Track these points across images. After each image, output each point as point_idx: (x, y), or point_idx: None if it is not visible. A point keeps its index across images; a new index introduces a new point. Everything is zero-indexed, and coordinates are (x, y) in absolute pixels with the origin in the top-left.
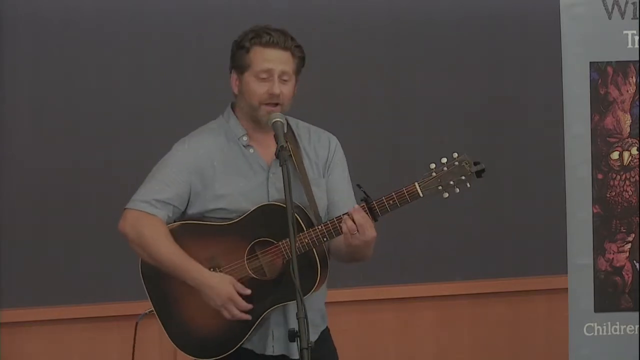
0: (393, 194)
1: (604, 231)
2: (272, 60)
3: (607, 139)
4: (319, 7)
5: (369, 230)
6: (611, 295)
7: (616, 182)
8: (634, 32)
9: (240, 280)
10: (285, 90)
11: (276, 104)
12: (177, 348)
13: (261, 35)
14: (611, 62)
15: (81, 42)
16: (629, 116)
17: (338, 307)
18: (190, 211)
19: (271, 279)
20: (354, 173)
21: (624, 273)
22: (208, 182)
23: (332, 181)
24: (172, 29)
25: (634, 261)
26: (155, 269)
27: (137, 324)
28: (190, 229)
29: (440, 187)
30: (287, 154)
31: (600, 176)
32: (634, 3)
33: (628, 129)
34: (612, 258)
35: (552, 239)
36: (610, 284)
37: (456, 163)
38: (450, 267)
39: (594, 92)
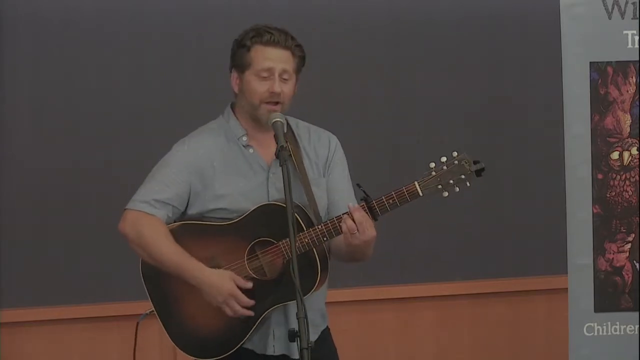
0: (393, 193)
1: (604, 231)
2: (273, 59)
3: (607, 139)
4: (319, 7)
5: (369, 229)
6: (611, 295)
7: (616, 182)
8: (634, 32)
9: None
10: (285, 89)
11: (277, 103)
12: (177, 348)
13: (262, 34)
14: (611, 62)
15: (81, 42)
16: (629, 116)
17: (338, 307)
18: (190, 211)
19: (271, 279)
20: (354, 173)
21: (624, 273)
22: (208, 182)
23: (332, 181)
24: (172, 29)
25: (634, 261)
26: (155, 269)
27: (137, 324)
28: (190, 229)
29: (440, 186)
30: (287, 154)
31: (600, 176)
32: (634, 3)
33: (628, 129)
34: (612, 258)
35: (552, 239)
36: (610, 284)
37: (456, 162)
38: (450, 267)
39: (594, 92)
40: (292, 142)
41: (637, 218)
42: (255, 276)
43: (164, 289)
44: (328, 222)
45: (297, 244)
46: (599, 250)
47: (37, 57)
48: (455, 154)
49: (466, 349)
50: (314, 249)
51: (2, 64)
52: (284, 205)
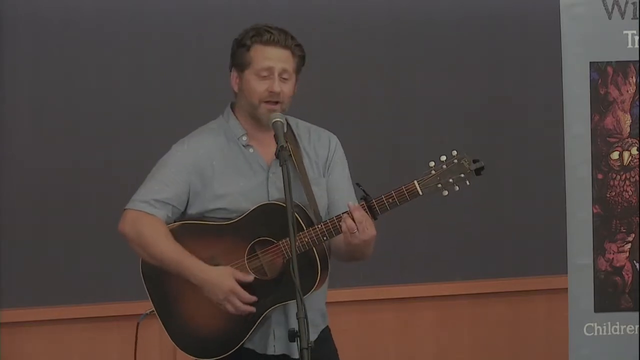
0: (392, 192)
1: (604, 231)
2: (273, 58)
3: (607, 139)
4: (319, 7)
5: (369, 228)
6: (611, 295)
7: (616, 182)
8: (634, 32)
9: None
10: (285, 88)
11: (276, 102)
12: (178, 348)
13: (262, 34)
14: (611, 62)
15: (81, 42)
16: (629, 116)
17: (338, 307)
18: (190, 211)
19: (272, 278)
20: (354, 173)
21: (624, 273)
22: (207, 182)
23: (332, 180)
24: (172, 29)
25: (634, 261)
26: (155, 269)
27: (138, 324)
28: (190, 229)
29: (439, 185)
30: (287, 154)
31: (600, 176)
32: (634, 3)
33: (628, 129)
34: (612, 258)
35: (552, 239)
36: (610, 284)
37: (455, 161)
38: (450, 267)
39: (594, 92)
40: (292, 142)
41: (637, 218)
42: (255, 276)
43: (164, 288)
44: (328, 221)
45: (297, 244)
46: (599, 250)
47: (37, 57)
48: (454, 152)
49: (466, 349)
50: (314, 249)
51: (2, 64)
52: (284, 205)
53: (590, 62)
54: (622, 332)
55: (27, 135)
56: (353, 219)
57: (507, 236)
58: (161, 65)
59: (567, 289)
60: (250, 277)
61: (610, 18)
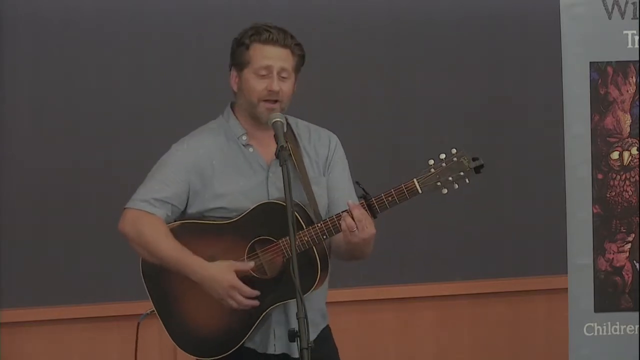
0: (392, 190)
1: (604, 231)
2: (272, 57)
3: (607, 139)
4: (319, 7)
5: (369, 227)
6: (611, 295)
7: (616, 182)
8: (634, 32)
9: (241, 279)
10: (284, 87)
11: (275, 101)
12: (178, 347)
13: (261, 33)
14: (611, 62)
15: (81, 42)
16: (629, 116)
17: (338, 307)
18: (190, 210)
19: (272, 277)
20: (354, 173)
21: (624, 273)
22: (207, 182)
23: (332, 179)
24: (172, 29)
25: (634, 261)
26: (156, 268)
27: (138, 324)
28: (190, 228)
29: (439, 184)
30: (287, 154)
31: (600, 176)
32: (634, 3)
33: (628, 129)
34: (612, 258)
35: (552, 239)
36: (610, 284)
37: (454, 159)
38: (450, 267)
39: (594, 92)
40: (292, 142)
41: (637, 218)
42: (255, 275)
43: (164, 288)
44: (327, 220)
45: (296, 243)
46: (599, 250)
47: (37, 57)
48: (454, 151)
49: (466, 349)
50: (314, 248)
51: (2, 64)
52: (284, 204)
53: (590, 62)
54: (622, 332)
55: (27, 135)
56: (352, 218)
57: (507, 236)
58: (161, 65)
59: (567, 289)
60: (250, 264)
61: (610, 18)
